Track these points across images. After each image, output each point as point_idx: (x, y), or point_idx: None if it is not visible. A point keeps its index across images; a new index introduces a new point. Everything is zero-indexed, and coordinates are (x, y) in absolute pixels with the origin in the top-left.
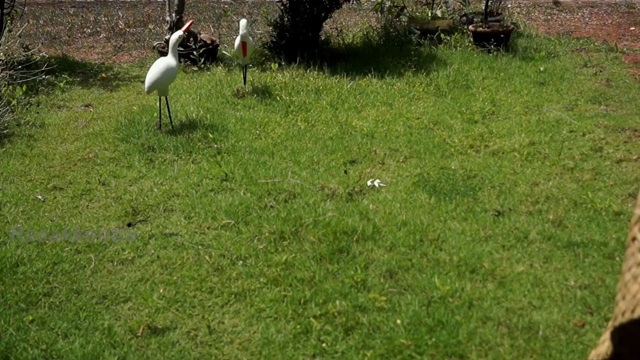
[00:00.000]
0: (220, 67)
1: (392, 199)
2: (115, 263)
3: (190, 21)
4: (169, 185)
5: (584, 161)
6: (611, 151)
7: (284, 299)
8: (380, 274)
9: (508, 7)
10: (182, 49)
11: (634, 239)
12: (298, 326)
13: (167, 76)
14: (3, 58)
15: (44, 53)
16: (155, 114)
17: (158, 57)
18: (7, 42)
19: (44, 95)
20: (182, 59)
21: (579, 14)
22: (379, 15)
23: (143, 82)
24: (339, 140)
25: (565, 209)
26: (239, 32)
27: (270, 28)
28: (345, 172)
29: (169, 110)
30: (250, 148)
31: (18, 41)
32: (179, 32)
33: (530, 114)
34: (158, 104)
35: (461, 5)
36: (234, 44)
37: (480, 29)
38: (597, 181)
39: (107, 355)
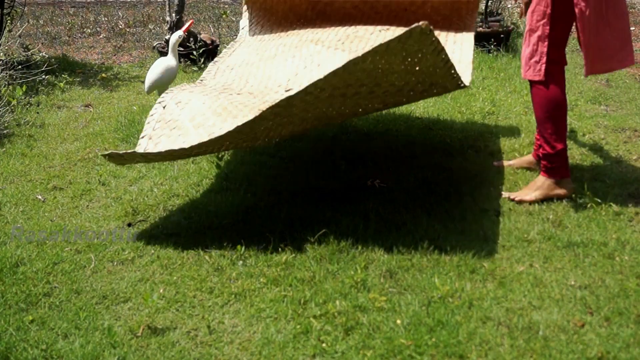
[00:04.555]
0: None
1: (392, 199)
2: (115, 263)
3: (191, 21)
4: (169, 185)
5: (583, 161)
6: (611, 151)
7: (284, 299)
8: (380, 274)
9: (508, 7)
10: (182, 49)
11: None
12: (298, 326)
13: (167, 76)
14: (3, 58)
15: (44, 53)
16: None
17: (158, 57)
18: (7, 42)
19: (44, 95)
20: (182, 59)
21: None
22: None
23: (143, 82)
24: (339, 140)
25: (565, 209)
26: (238, 32)
27: None
28: (346, 171)
29: None
30: (250, 148)
31: (18, 41)
32: (179, 32)
33: (530, 114)
34: None
35: None
36: None
37: (480, 29)
38: (597, 181)
39: (107, 355)
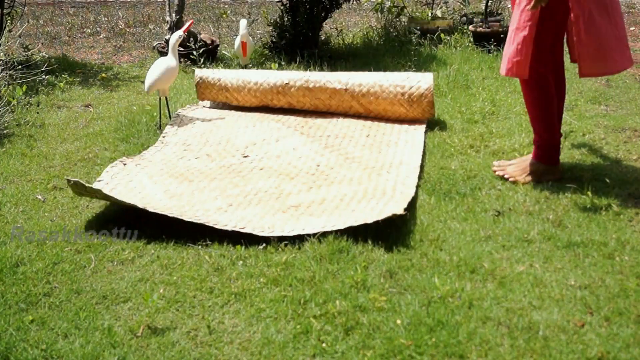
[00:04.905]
0: (220, 67)
1: None
2: (115, 263)
3: (191, 21)
4: None
5: (583, 161)
6: (611, 151)
7: (284, 299)
8: (380, 274)
9: (508, 7)
10: (182, 49)
11: None
12: (298, 326)
13: (167, 76)
14: (3, 58)
15: (44, 53)
16: (155, 114)
17: (158, 57)
18: (7, 42)
19: (44, 95)
20: (182, 59)
21: None
22: (379, 15)
23: (143, 82)
24: None
25: (565, 209)
26: (239, 32)
27: (270, 28)
28: None
29: (168, 111)
30: None
31: (18, 41)
32: (179, 32)
33: None
34: (158, 104)
35: (461, 5)
36: (234, 44)
37: (480, 29)
38: (597, 181)
39: (107, 355)
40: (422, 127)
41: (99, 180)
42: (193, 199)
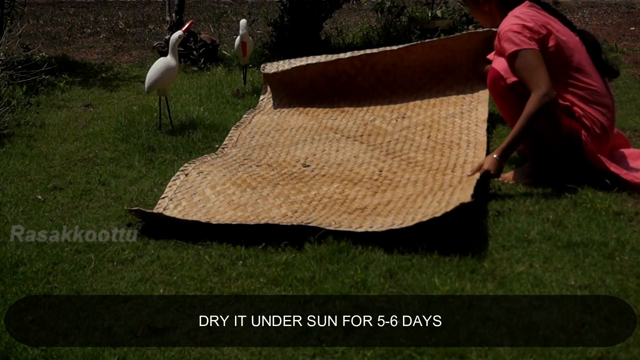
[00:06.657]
0: (220, 67)
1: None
2: (115, 263)
3: (191, 21)
4: None
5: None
6: None
7: (284, 299)
8: (380, 274)
9: None
10: (182, 49)
11: None
12: (298, 326)
13: (167, 76)
14: (3, 58)
15: (44, 53)
16: (155, 114)
17: (158, 57)
18: (7, 42)
19: (44, 95)
20: (182, 59)
21: (579, 14)
22: (379, 15)
23: (143, 82)
24: None
25: (565, 209)
26: (239, 32)
27: (270, 28)
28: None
29: (168, 110)
30: None
31: (18, 41)
32: (179, 32)
33: None
34: (158, 104)
35: (461, 5)
36: (234, 44)
37: (480, 29)
38: (597, 181)
39: (107, 355)
40: (484, 125)
41: (163, 197)
42: (257, 208)
